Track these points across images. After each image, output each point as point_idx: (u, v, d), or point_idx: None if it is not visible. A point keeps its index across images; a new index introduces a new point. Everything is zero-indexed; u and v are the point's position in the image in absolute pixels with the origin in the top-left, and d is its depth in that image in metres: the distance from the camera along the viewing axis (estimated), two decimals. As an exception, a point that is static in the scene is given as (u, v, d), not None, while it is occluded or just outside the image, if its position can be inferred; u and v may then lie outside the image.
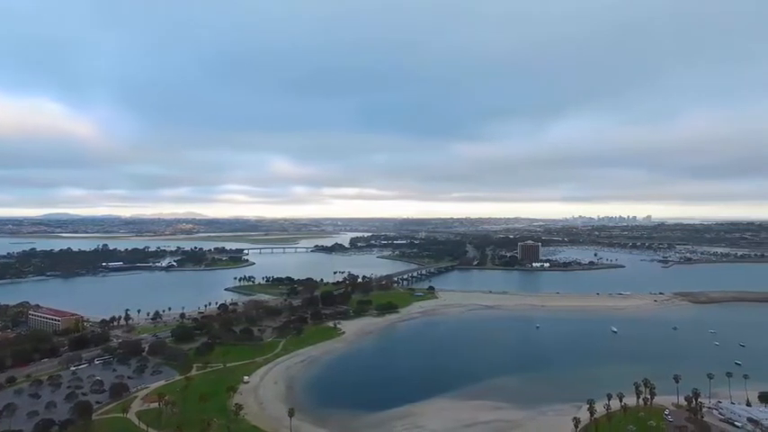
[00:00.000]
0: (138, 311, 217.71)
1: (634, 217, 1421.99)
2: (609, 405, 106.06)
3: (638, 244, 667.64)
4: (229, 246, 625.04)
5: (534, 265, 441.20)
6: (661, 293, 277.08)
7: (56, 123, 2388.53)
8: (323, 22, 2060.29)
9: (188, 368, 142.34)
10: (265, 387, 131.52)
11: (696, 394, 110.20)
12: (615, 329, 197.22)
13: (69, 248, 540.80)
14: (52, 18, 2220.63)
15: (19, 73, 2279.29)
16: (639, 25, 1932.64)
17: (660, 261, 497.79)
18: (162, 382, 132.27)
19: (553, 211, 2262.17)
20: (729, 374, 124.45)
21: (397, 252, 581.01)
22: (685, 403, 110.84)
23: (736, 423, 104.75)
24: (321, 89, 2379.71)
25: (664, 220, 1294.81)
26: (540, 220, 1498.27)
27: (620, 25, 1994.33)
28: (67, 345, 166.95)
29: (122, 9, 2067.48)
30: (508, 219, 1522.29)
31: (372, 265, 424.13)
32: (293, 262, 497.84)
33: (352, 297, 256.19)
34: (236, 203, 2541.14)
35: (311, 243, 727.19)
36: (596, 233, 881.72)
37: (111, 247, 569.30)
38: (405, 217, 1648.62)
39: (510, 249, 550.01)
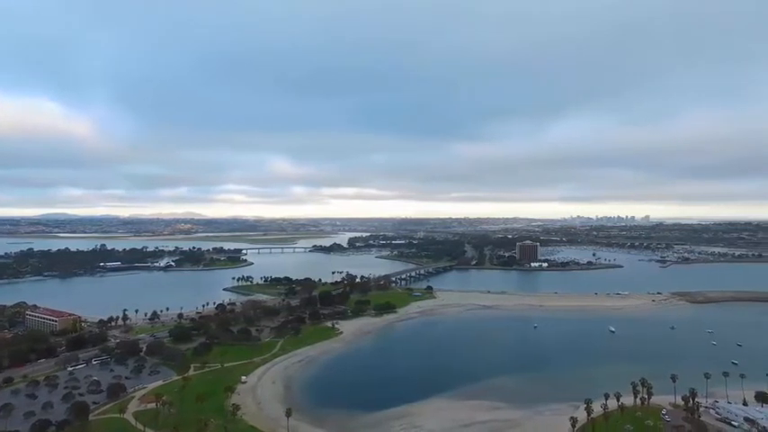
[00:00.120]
0: (136, 312, 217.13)
1: (632, 217, 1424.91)
2: (606, 405, 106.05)
3: (637, 244, 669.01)
4: (228, 246, 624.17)
5: (532, 264, 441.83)
6: (659, 293, 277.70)
7: (54, 123, 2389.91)
8: (323, 22, 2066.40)
9: (186, 368, 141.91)
10: (263, 387, 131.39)
11: (693, 394, 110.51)
12: (613, 329, 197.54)
13: (67, 248, 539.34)
14: (50, 17, 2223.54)
15: (16, 72, 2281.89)
16: (639, 25, 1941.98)
17: (658, 261, 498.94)
18: (159, 383, 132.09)
19: (552, 211, 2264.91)
20: (726, 374, 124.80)
21: (395, 252, 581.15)
22: (682, 403, 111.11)
23: (732, 422, 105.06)
24: (320, 89, 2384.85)
25: (662, 220, 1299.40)
26: (539, 220, 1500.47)
27: (620, 25, 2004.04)
28: (65, 345, 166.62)
29: (121, 8, 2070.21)
30: (507, 219, 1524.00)
31: (371, 265, 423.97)
32: (291, 262, 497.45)
33: (351, 297, 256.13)
34: (234, 203, 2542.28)
35: (309, 243, 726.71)
36: (595, 233, 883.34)
37: (109, 248, 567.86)
38: (403, 217, 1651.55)
39: (508, 249, 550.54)
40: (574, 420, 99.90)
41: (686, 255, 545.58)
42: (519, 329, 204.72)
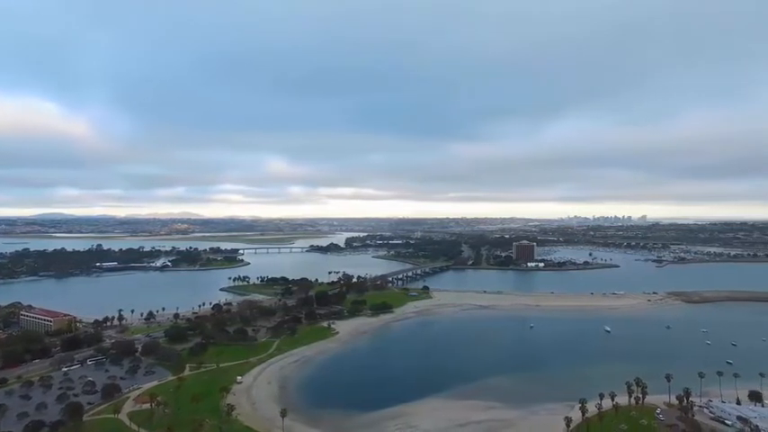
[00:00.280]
0: (132, 312, 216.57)
1: (629, 217, 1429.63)
2: (601, 404, 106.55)
3: (633, 244, 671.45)
4: (225, 246, 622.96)
5: (529, 264, 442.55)
6: (655, 293, 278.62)
7: (51, 123, 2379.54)
8: (322, 22, 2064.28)
9: (181, 368, 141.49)
10: (258, 387, 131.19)
11: (687, 393, 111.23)
12: (608, 329, 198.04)
13: (63, 248, 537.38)
14: (48, 17, 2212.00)
15: (14, 72, 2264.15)
16: (639, 25, 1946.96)
17: (654, 261, 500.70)
18: (155, 383, 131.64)
19: (549, 211, 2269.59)
20: (720, 373, 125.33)
21: (392, 252, 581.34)
22: (677, 402, 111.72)
23: (726, 421, 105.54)
24: (319, 89, 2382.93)
25: (659, 220, 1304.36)
26: (536, 220, 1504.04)
27: (620, 25, 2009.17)
28: (60, 345, 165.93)
29: (120, 8, 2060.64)
30: (504, 219, 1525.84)
31: (367, 265, 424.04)
32: (288, 262, 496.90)
33: (347, 297, 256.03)
34: (231, 203, 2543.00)
35: (307, 243, 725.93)
36: (591, 233, 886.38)
37: (105, 248, 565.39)
38: (401, 217, 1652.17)
39: (505, 249, 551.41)
40: (568, 420, 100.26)
41: (682, 255, 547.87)
42: (515, 329, 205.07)
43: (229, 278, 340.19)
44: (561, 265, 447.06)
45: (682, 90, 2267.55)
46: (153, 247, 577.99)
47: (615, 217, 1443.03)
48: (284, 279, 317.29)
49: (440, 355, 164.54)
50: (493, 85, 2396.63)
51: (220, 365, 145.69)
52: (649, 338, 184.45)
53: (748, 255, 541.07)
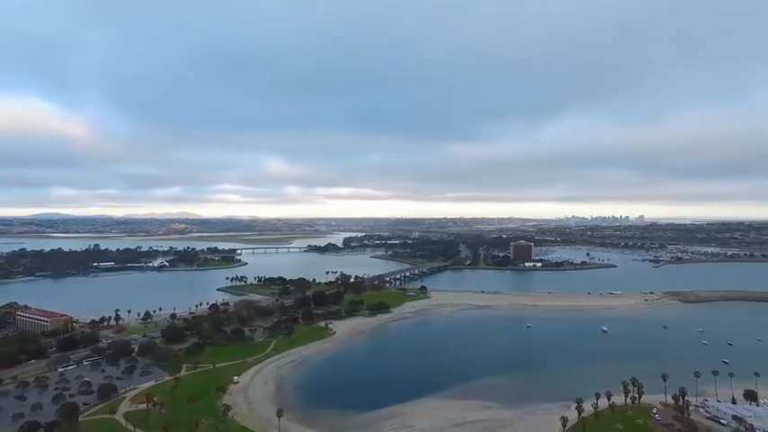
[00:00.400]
0: (129, 312, 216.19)
1: (627, 217, 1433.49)
2: (597, 404, 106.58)
3: (631, 244, 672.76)
4: (222, 246, 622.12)
5: (527, 264, 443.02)
6: (652, 293, 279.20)
7: (48, 122, 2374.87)
8: (322, 22, 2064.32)
9: (178, 369, 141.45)
10: (255, 387, 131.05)
11: (683, 393, 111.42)
12: (606, 329, 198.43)
13: (60, 249, 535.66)
14: (45, 16, 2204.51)
15: (11, 72, 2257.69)
16: (639, 25, 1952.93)
17: (651, 261, 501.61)
18: (151, 383, 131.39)
19: (546, 211, 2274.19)
20: (716, 373, 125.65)
21: (390, 252, 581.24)
22: (673, 402, 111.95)
23: (721, 420, 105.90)
24: (318, 89, 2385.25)
25: (656, 220, 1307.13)
26: (534, 220, 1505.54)
27: (620, 25, 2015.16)
28: (56, 346, 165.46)
29: (116, 7, 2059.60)
30: (501, 219, 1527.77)
31: (365, 265, 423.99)
32: (286, 262, 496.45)
33: (344, 297, 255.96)
34: (229, 203, 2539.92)
35: (304, 243, 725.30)
36: (589, 233, 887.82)
37: (102, 248, 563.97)
38: (398, 217, 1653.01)
39: (503, 249, 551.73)
40: (564, 420, 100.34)
41: (679, 254, 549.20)
42: (512, 329, 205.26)
43: (227, 278, 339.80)
44: (559, 265, 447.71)
45: (681, 90, 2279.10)
46: (150, 247, 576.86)
47: (613, 217, 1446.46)
48: (282, 279, 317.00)
49: (437, 354, 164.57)
50: (492, 86, 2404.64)
51: (217, 365, 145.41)
52: (646, 338, 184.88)
53: (745, 255, 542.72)
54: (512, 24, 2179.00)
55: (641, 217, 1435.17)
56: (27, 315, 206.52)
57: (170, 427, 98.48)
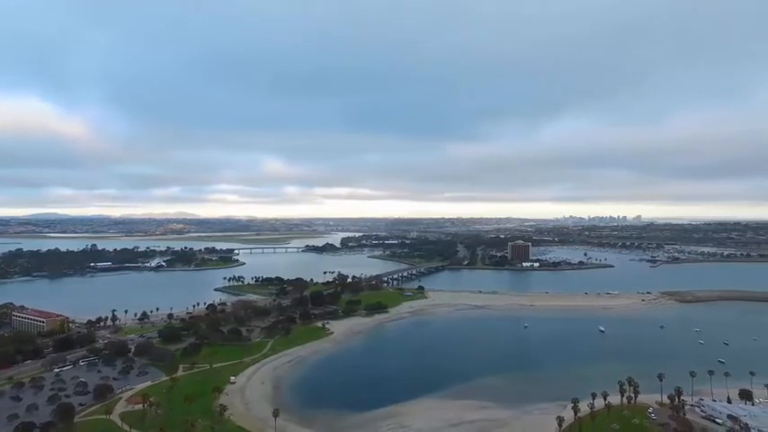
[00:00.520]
0: (126, 312, 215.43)
1: (624, 217, 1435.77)
2: (593, 404, 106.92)
3: (628, 244, 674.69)
4: (220, 246, 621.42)
5: (524, 264, 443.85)
6: (648, 293, 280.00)
7: (46, 122, 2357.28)
8: (322, 22, 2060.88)
9: (174, 369, 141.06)
10: (252, 387, 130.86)
11: (679, 392, 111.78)
12: (602, 329, 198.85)
13: (57, 249, 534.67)
14: (43, 15, 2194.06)
15: (9, 71, 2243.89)
16: (639, 25, 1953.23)
17: (649, 261, 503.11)
18: (147, 384, 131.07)
19: (544, 211, 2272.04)
20: (711, 372, 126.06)
21: (387, 252, 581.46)
22: (668, 401, 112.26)
23: (716, 420, 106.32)
24: (318, 89, 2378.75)
25: (653, 219, 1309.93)
26: (532, 220, 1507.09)
27: (620, 25, 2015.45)
28: (52, 346, 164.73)
29: (116, 7, 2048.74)
30: (499, 219, 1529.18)
31: (363, 265, 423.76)
32: (284, 262, 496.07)
33: (342, 297, 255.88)
34: (227, 203, 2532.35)
35: (302, 243, 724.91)
36: (586, 233, 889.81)
37: (99, 248, 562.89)
38: (396, 217, 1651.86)
39: (500, 249, 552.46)
40: (561, 420, 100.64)
41: (676, 254, 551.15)
42: (509, 329, 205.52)
43: (224, 278, 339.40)
44: (556, 265, 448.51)
45: (681, 90, 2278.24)
46: (148, 247, 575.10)
47: (610, 217, 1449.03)
48: (279, 279, 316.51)
49: (434, 354, 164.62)
50: (492, 86, 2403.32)
51: (214, 366, 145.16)
52: (643, 338, 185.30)
53: (741, 255, 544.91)
54: (512, 24, 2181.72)
55: (638, 217, 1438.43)
56: (23, 315, 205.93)
57: (166, 427, 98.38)
